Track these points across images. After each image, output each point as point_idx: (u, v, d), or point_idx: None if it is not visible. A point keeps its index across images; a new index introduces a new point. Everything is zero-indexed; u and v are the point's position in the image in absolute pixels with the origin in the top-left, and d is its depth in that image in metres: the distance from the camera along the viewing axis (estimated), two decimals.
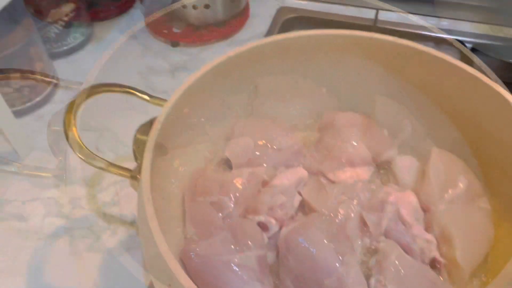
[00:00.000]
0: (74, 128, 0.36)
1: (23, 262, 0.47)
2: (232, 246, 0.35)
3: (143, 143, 0.37)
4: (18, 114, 0.58)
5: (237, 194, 0.40)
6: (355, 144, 0.44)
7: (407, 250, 0.38)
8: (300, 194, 0.42)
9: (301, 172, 0.43)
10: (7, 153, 0.56)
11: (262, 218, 0.38)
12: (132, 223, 0.50)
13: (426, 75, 0.42)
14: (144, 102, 0.61)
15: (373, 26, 0.65)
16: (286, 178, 0.42)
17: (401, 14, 0.70)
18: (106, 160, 0.37)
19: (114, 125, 0.59)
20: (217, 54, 0.68)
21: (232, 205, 0.40)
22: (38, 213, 0.51)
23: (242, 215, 0.40)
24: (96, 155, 0.37)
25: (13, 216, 0.51)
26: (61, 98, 0.63)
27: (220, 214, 0.39)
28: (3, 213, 0.51)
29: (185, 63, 0.67)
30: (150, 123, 0.38)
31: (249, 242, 0.35)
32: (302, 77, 0.47)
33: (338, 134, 0.45)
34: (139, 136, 0.37)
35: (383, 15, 0.68)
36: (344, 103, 0.48)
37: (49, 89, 0.61)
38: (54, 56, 0.66)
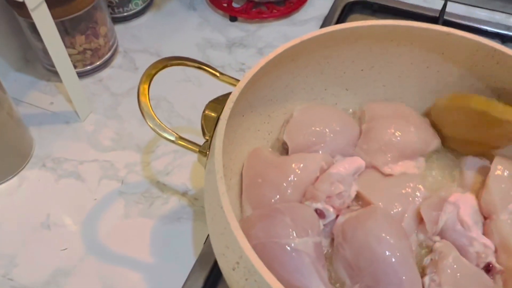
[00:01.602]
0: (147, 98, 0.37)
1: (80, 219, 0.49)
2: (290, 230, 0.35)
3: (212, 119, 0.37)
4: (79, 76, 0.59)
5: (295, 178, 0.40)
6: (406, 134, 0.43)
7: (462, 252, 0.38)
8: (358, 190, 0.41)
9: (359, 162, 0.43)
10: (68, 114, 0.58)
11: (320, 205, 0.38)
12: (184, 194, 0.51)
13: (502, 75, 0.41)
14: (199, 76, 0.62)
15: (439, 17, 0.63)
16: (344, 167, 0.42)
17: (469, 8, 0.68)
18: (177, 134, 0.37)
19: (170, 95, 0.60)
20: (275, 33, 0.68)
21: (290, 190, 0.40)
22: (95, 174, 0.53)
23: (299, 200, 0.40)
24: (167, 127, 0.38)
25: (71, 175, 0.52)
26: (119, 63, 0.64)
27: (278, 196, 0.40)
28: (62, 170, 0.53)
29: (242, 39, 0.67)
30: (218, 100, 0.39)
31: (307, 228, 0.35)
32: (369, 66, 0.46)
33: (387, 125, 0.45)
34: (208, 112, 0.38)
35: (449, 7, 0.65)
36: (408, 97, 0.47)
37: (109, 53, 0.62)
38: (114, 21, 0.67)
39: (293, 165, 0.41)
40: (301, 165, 0.41)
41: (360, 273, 0.34)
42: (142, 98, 0.37)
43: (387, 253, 0.34)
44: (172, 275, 0.45)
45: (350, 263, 0.35)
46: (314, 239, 0.35)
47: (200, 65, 0.39)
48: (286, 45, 0.39)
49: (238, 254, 0.29)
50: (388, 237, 0.34)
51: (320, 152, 0.44)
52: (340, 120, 0.46)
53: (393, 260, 0.34)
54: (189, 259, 0.46)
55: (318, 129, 0.45)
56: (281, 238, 0.35)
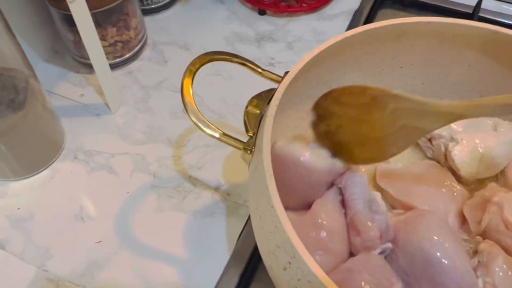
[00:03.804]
0: (191, 94, 0.37)
1: (113, 212, 0.49)
2: (376, 287, 0.33)
3: (255, 115, 0.37)
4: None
5: (327, 232, 0.36)
6: None
7: (506, 252, 0.37)
8: (391, 194, 0.41)
9: (358, 176, 0.39)
10: (99, 106, 0.58)
11: (379, 250, 0.35)
12: (216, 189, 0.51)
13: None
14: (229, 69, 0.61)
15: (474, 13, 0.62)
16: (358, 188, 0.38)
17: (501, 4, 0.66)
18: (221, 130, 0.37)
19: (199, 89, 0.59)
20: (304, 27, 0.67)
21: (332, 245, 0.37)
22: (127, 167, 0.53)
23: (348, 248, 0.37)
24: (211, 124, 0.37)
25: (103, 167, 0.52)
26: (148, 56, 0.64)
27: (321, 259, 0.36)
28: (94, 163, 0.53)
29: (271, 33, 0.66)
30: (260, 97, 0.39)
31: (388, 277, 0.34)
32: (409, 64, 0.46)
33: None
34: (250, 109, 0.37)
35: (484, 3, 0.64)
36: (447, 95, 0.46)
37: (139, 46, 0.62)
38: (143, 13, 0.67)
39: (324, 219, 0.37)
40: (329, 217, 0.37)
41: (416, 280, 0.33)
42: (185, 94, 0.37)
43: (443, 257, 0.33)
44: (206, 270, 0.45)
45: (404, 269, 0.35)
46: (399, 285, 0.34)
47: (243, 61, 0.39)
48: (329, 42, 0.39)
49: (290, 254, 0.28)
50: (441, 240, 0.33)
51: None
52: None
53: (450, 264, 0.33)
54: (223, 255, 0.46)
55: None
56: None
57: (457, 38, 0.42)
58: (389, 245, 0.36)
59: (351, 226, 0.36)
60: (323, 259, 0.35)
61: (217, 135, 0.37)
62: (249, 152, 0.36)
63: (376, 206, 0.38)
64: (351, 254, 0.36)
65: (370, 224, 0.35)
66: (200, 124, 0.37)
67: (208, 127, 0.37)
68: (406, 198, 0.40)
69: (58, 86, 0.60)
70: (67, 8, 0.45)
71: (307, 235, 0.35)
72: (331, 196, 0.39)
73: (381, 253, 0.36)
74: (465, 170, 0.42)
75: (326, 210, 0.37)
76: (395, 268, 0.35)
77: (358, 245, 0.36)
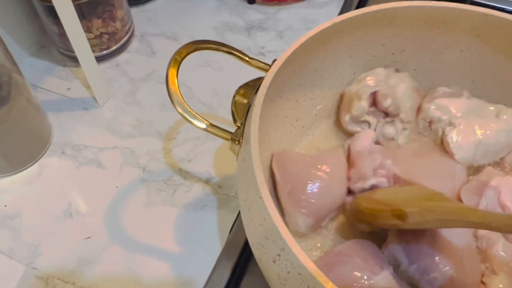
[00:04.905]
0: (176, 84, 0.36)
1: (102, 208, 0.48)
2: (366, 271, 0.33)
3: (243, 105, 0.36)
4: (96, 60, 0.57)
5: (329, 170, 0.39)
6: None
7: (504, 237, 0.37)
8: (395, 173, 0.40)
9: (370, 133, 0.42)
10: (86, 100, 0.57)
11: (373, 181, 0.37)
12: (207, 181, 0.50)
13: None
14: (218, 60, 0.60)
15: None
16: (363, 142, 0.41)
17: None
18: (208, 121, 0.36)
19: (188, 80, 0.58)
20: (294, 15, 0.66)
21: (335, 184, 0.38)
22: (116, 161, 0.52)
23: (344, 191, 0.39)
24: (198, 115, 0.36)
25: (91, 162, 0.52)
26: (136, 48, 0.62)
27: (327, 195, 0.38)
28: (82, 158, 0.52)
29: (261, 22, 0.65)
30: (247, 86, 0.38)
31: (380, 262, 0.34)
32: (400, 50, 0.45)
33: None
34: (237, 98, 0.36)
35: None
36: (440, 81, 0.46)
37: (126, 37, 0.61)
38: (129, 4, 0.65)
39: (328, 161, 0.40)
40: (334, 159, 0.40)
41: (420, 254, 0.33)
42: (171, 84, 0.36)
43: (449, 236, 0.33)
44: (199, 264, 0.44)
45: (409, 242, 0.34)
46: (389, 270, 0.34)
47: (230, 49, 0.38)
48: (318, 28, 0.38)
49: (279, 246, 0.28)
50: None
51: None
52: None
53: (456, 243, 0.33)
54: (215, 247, 0.45)
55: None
56: (362, 280, 0.32)
57: (449, 22, 0.42)
58: (384, 180, 0.37)
59: (350, 162, 0.39)
60: (318, 191, 0.37)
61: (204, 126, 0.36)
62: (237, 142, 0.35)
63: (376, 153, 0.39)
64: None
65: (363, 156, 0.38)
66: (186, 115, 0.36)
67: (195, 118, 0.36)
68: (408, 176, 0.39)
69: (45, 80, 0.59)
70: (49, 0, 0.44)
71: (308, 171, 0.38)
72: (340, 152, 0.41)
73: (374, 186, 0.37)
74: (460, 155, 0.41)
75: (332, 159, 0.40)
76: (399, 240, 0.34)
77: (352, 176, 0.38)
